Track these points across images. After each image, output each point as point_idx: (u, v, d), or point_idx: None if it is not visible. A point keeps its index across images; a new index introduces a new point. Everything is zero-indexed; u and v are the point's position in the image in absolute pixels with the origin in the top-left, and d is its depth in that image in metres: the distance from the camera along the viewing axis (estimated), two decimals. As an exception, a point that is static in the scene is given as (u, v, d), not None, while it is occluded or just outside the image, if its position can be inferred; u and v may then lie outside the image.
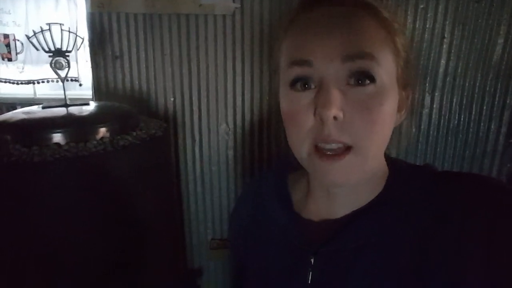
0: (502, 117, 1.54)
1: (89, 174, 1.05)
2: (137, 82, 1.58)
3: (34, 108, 1.23)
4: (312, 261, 0.49)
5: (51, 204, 1.01)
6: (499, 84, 1.49)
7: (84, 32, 1.59)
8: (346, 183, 0.44)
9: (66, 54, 1.20)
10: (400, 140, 0.54)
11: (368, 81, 0.40)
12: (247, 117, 1.57)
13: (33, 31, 1.15)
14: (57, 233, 1.04)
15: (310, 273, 0.49)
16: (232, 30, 1.49)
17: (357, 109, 0.40)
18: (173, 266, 1.56)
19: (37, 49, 1.17)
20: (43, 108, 1.20)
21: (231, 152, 1.62)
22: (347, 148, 0.41)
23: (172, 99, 1.58)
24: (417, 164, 0.53)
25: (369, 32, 0.41)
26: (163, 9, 1.50)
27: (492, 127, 1.56)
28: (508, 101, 1.52)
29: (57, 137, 1.06)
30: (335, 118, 0.39)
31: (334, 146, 0.41)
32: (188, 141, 1.62)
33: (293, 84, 0.43)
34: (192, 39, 1.50)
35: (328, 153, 0.41)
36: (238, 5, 1.47)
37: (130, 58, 1.55)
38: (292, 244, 0.52)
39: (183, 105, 1.59)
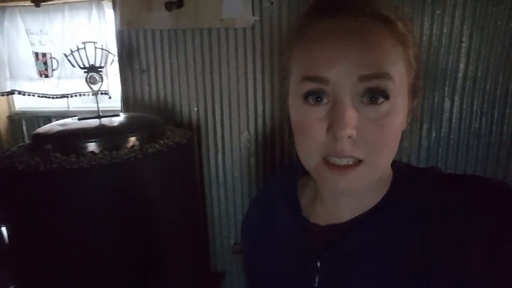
0: (524, 119, 1.52)
1: (122, 179, 1.13)
2: (162, 94, 1.67)
3: (70, 120, 1.34)
4: (318, 265, 0.49)
5: (88, 208, 1.09)
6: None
7: (113, 47, 1.70)
8: (353, 193, 0.45)
9: (99, 69, 1.29)
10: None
11: (382, 99, 0.40)
12: (268, 124, 1.62)
13: (70, 49, 1.25)
14: (91, 235, 1.12)
15: (317, 276, 0.49)
16: (252, 42, 1.56)
17: (370, 126, 0.40)
18: (197, 269, 1.61)
19: (73, 66, 1.27)
20: (78, 120, 1.29)
21: (253, 159, 1.67)
22: (359, 161, 0.41)
23: (195, 109, 1.66)
24: (422, 167, 0.53)
25: (385, 49, 0.40)
26: (187, 24, 1.59)
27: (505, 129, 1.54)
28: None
29: (92, 146, 1.15)
30: (349, 137, 0.39)
31: (345, 161, 0.41)
32: (212, 148, 1.69)
33: (305, 97, 0.42)
34: (214, 52, 1.58)
35: (338, 164, 0.41)
36: (257, 18, 1.54)
37: (156, 71, 1.65)
38: (299, 249, 0.53)
39: (206, 114, 1.66)
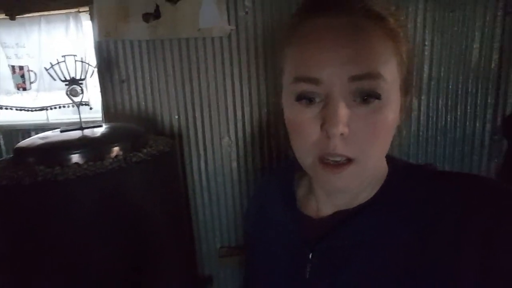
0: (486, 115, 1.64)
1: (107, 189, 1.15)
2: (143, 103, 1.70)
3: (50, 133, 1.35)
4: (310, 257, 0.50)
5: (75, 217, 1.11)
6: (479, 86, 1.60)
7: (92, 59, 1.72)
8: (346, 190, 0.47)
9: (80, 82, 1.32)
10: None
11: (374, 98, 0.40)
12: (248, 129, 1.68)
13: (50, 63, 1.27)
14: (78, 244, 1.13)
15: (308, 268, 0.50)
16: (229, 50, 1.62)
17: (362, 124, 0.41)
18: (184, 274, 1.64)
19: (54, 79, 1.29)
20: (61, 132, 1.31)
21: (234, 163, 1.72)
22: (350, 160, 0.42)
23: (176, 117, 1.70)
24: (418, 163, 0.53)
25: (377, 47, 0.40)
26: (165, 34, 1.63)
27: (477, 125, 1.66)
28: (489, 101, 1.62)
29: (76, 158, 1.17)
30: (341, 134, 0.40)
31: (338, 158, 0.42)
32: (194, 155, 1.73)
33: (298, 98, 0.43)
34: (192, 61, 1.63)
35: (331, 163, 0.42)
36: (233, 27, 1.60)
37: (136, 81, 1.68)
38: (292, 240, 0.54)
39: (187, 122, 1.70)
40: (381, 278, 0.45)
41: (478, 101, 1.63)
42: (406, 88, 0.46)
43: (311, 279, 0.50)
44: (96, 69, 1.66)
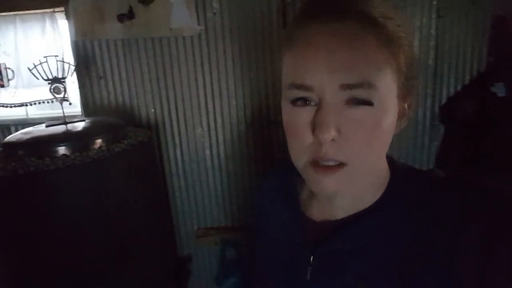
0: (426, 104, 1.89)
1: (93, 176, 1.30)
2: (121, 98, 1.83)
3: (36, 127, 1.47)
4: (311, 260, 0.50)
5: (64, 203, 1.26)
6: (420, 79, 1.84)
7: (70, 57, 1.82)
8: (335, 194, 0.47)
9: (62, 80, 1.44)
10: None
11: (366, 105, 0.40)
12: (219, 120, 1.86)
13: (33, 63, 1.38)
14: (68, 227, 1.28)
15: (309, 271, 0.50)
16: (199, 49, 1.77)
17: (353, 129, 0.41)
18: (164, 254, 1.80)
19: (37, 78, 1.40)
20: (46, 126, 1.43)
21: (207, 151, 1.90)
22: (342, 163, 0.42)
23: (153, 110, 1.84)
24: (420, 169, 0.54)
25: (370, 55, 0.40)
26: (138, 34, 1.76)
27: (419, 113, 1.91)
28: (428, 91, 1.87)
29: (63, 149, 1.30)
30: (332, 139, 0.41)
31: (330, 163, 0.42)
32: (170, 144, 1.89)
33: (293, 102, 0.44)
34: (166, 58, 1.77)
35: (322, 165, 0.43)
36: (203, 27, 1.75)
37: (113, 77, 1.80)
38: (294, 242, 0.54)
39: (163, 114, 1.85)
40: (380, 282, 0.45)
41: (420, 92, 1.88)
42: (405, 94, 0.45)
43: (311, 282, 0.50)
44: (74, 67, 1.77)
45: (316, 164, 0.43)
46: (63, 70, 1.45)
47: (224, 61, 1.78)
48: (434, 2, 1.73)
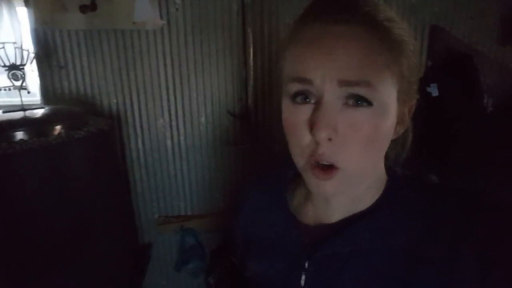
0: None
1: (52, 162, 1.34)
2: (82, 88, 1.85)
3: (-8, 114, 1.47)
4: (306, 265, 0.50)
5: (23, 188, 1.29)
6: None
7: (29, 44, 1.82)
8: (332, 197, 0.48)
9: (21, 67, 1.46)
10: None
11: (365, 104, 0.41)
12: (180, 112, 1.93)
13: (-10, 49, 1.39)
14: (27, 212, 1.30)
15: (304, 276, 0.50)
16: (162, 42, 1.83)
17: (351, 130, 0.41)
18: (126, 242, 1.84)
19: (-5, 65, 1.41)
20: (3, 112, 1.44)
21: (169, 141, 1.96)
22: (336, 168, 0.43)
23: (115, 101, 1.88)
24: (416, 174, 0.54)
25: (372, 57, 0.40)
26: (101, 25, 1.79)
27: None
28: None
29: (21, 135, 1.32)
30: (329, 139, 0.41)
31: (326, 163, 0.43)
32: (132, 134, 1.94)
33: (294, 97, 0.44)
34: (128, 51, 1.82)
35: (320, 165, 0.43)
36: (165, 22, 1.81)
37: (74, 68, 1.82)
38: (288, 248, 0.54)
39: (125, 105, 1.89)
40: (375, 285, 0.46)
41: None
42: (404, 99, 0.46)
43: (306, 287, 0.51)
44: (34, 55, 1.77)
45: (314, 166, 0.44)
46: (22, 57, 1.47)
47: (186, 55, 1.86)
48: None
